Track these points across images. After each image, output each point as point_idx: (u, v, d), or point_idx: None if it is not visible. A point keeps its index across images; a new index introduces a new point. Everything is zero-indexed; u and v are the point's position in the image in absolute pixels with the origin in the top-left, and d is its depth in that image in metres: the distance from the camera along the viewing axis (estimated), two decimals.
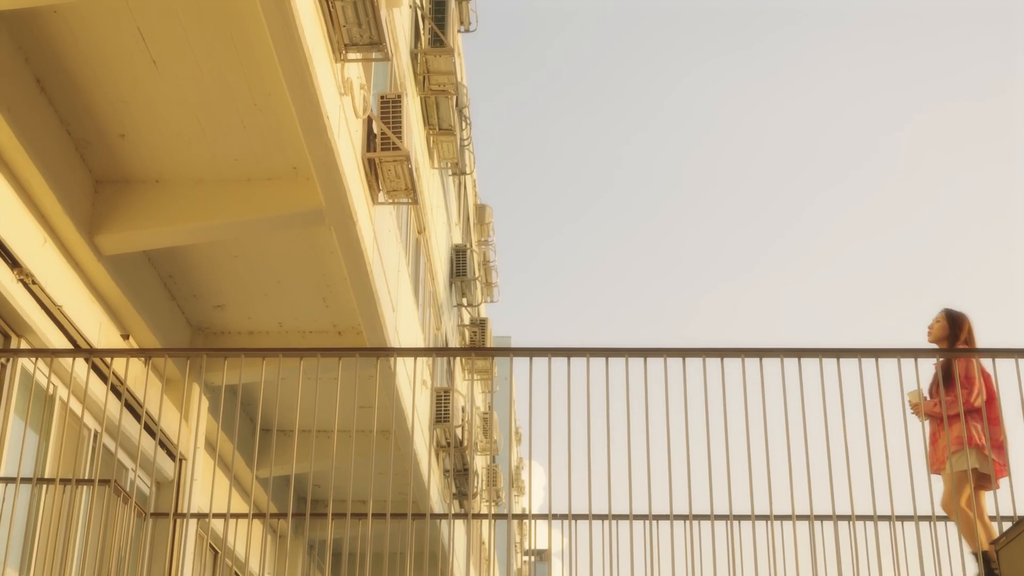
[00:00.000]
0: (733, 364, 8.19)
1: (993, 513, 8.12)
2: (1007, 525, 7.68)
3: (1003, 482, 7.92)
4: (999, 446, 8.52)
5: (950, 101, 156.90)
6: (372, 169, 11.91)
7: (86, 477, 10.87)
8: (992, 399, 8.61)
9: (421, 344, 17.87)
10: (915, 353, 8.06)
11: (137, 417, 11.62)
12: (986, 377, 8.61)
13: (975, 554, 8.08)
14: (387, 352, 9.38)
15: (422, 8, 17.35)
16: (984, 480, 8.42)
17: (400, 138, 11.82)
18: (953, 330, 8.91)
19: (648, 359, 8.15)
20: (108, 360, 10.27)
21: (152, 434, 11.95)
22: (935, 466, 8.57)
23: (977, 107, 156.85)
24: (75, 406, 10.53)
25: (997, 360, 8.24)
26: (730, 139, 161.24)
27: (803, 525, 8.19)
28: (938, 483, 8.25)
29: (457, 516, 11.10)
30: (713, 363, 8.18)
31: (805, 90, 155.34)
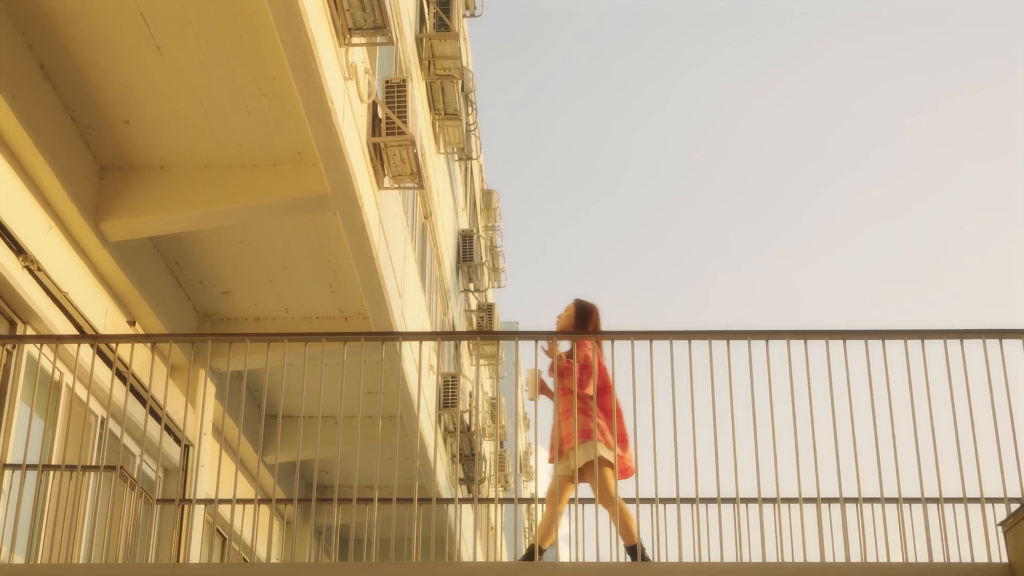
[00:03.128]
0: (739, 347, 8.17)
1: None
2: (1015, 506, 7.66)
3: (1009, 462, 7.87)
4: (626, 438, 8.48)
5: (959, 91, 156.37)
6: (377, 154, 11.89)
7: (92, 463, 10.88)
8: (608, 389, 8.53)
9: (428, 329, 17.86)
10: (921, 335, 8.03)
11: (143, 403, 11.63)
12: (602, 368, 8.53)
13: (630, 547, 8.11)
14: (392, 336, 9.36)
15: None
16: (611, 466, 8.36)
17: (405, 123, 11.79)
18: (580, 320, 8.79)
19: (653, 342, 8.13)
20: (114, 346, 10.28)
21: (158, 420, 11.96)
22: (552, 454, 8.48)
23: (987, 95, 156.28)
24: (81, 392, 10.54)
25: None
26: (737, 129, 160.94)
27: (810, 507, 8.18)
28: (945, 465, 8.21)
29: (463, 501, 11.11)
30: (719, 346, 8.17)
31: (811, 81, 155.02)
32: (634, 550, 8.07)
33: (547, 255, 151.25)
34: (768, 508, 8.22)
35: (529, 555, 8.15)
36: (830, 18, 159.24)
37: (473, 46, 23.08)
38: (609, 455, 8.25)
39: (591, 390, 8.36)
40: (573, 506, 8.42)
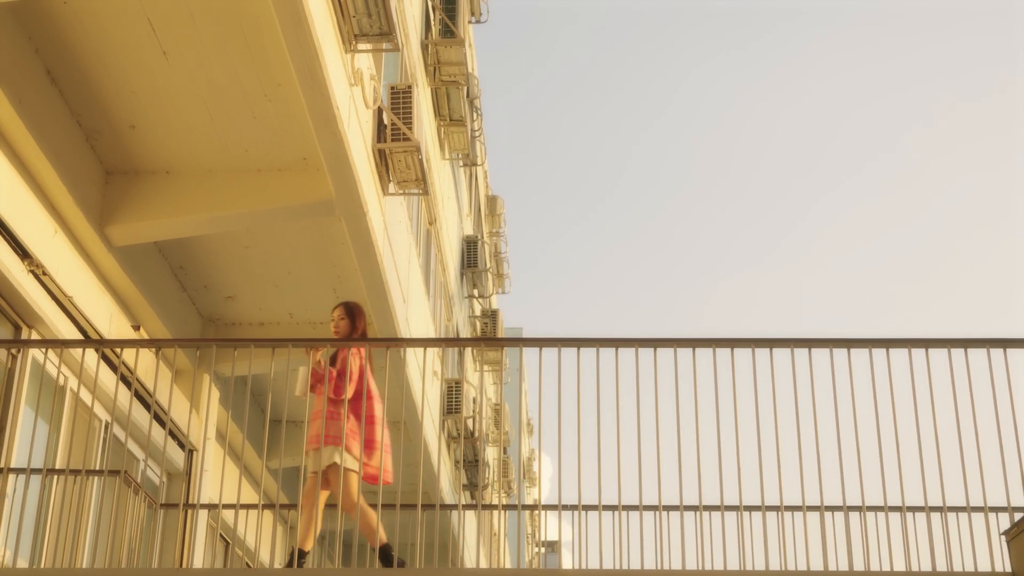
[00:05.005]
0: (743, 354, 8.17)
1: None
2: (1019, 515, 7.65)
3: (1013, 471, 7.86)
4: (373, 445, 8.52)
5: (961, 97, 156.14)
6: (382, 160, 11.91)
7: (96, 468, 10.89)
8: (369, 397, 8.57)
9: (432, 335, 17.87)
10: (926, 343, 8.03)
11: (147, 408, 11.64)
12: (363, 374, 8.55)
13: (383, 546, 8.15)
14: (396, 342, 9.38)
15: None
16: (365, 475, 8.41)
17: (410, 129, 11.81)
18: (353, 323, 8.82)
19: (658, 349, 8.13)
20: (118, 351, 10.29)
21: (162, 425, 11.97)
22: (308, 446, 8.51)
23: (991, 102, 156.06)
24: (85, 397, 10.55)
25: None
26: (740, 133, 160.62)
27: (813, 516, 8.19)
28: (948, 474, 8.21)
29: (467, 507, 11.11)
30: (723, 353, 8.17)
31: (814, 86, 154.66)
32: (385, 551, 8.14)
33: (551, 260, 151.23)
34: (772, 516, 8.23)
35: (291, 560, 8.18)
36: (832, 22, 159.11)
37: (477, 51, 23.11)
38: (352, 463, 8.31)
39: (348, 395, 8.42)
40: (580, 513, 8.41)
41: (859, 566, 7.75)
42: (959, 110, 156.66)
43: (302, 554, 8.25)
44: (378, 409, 8.59)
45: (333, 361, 8.59)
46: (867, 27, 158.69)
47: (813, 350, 8.10)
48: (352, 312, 8.85)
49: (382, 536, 8.25)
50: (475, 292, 25.38)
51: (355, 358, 8.50)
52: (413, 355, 15.30)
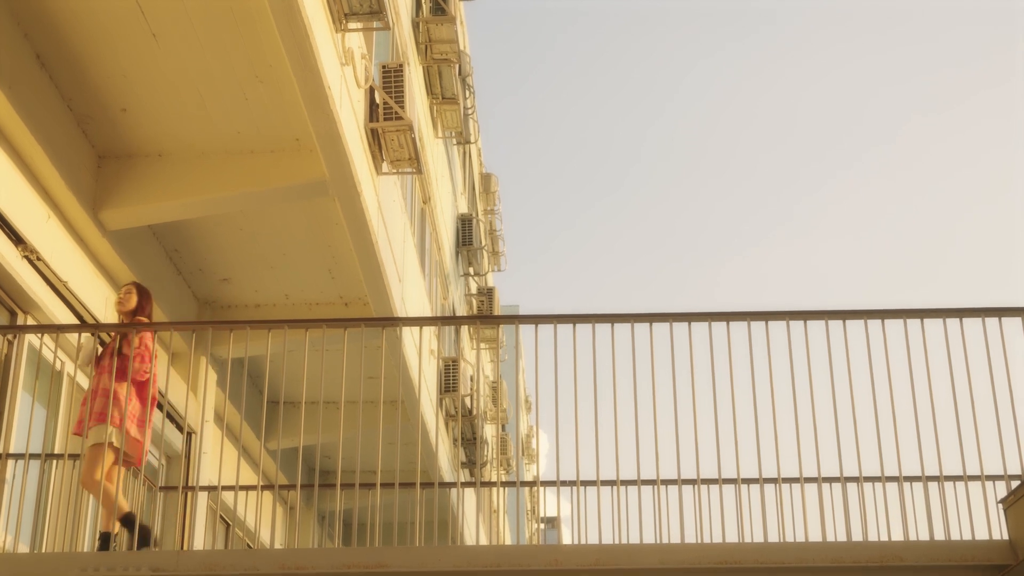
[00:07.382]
0: (739, 328, 8.19)
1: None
2: (1015, 484, 7.68)
3: (1009, 439, 7.88)
4: (150, 426, 8.66)
5: (967, 84, 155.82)
6: (375, 139, 11.88)
7: None
8: (154, 381, 8.68)
9: (428, 314, 17.87)
10: (921, 314, 8.04)
11: None
12: (150, 357, 8.65)
13: (103, 533, 8.22)
14: (392, 322, 9.38)
15: None
16: (126, 457, 8.45)
17: (403, 108, 11.78)
18: (142, 302, 8.95)
19: (653, 324, 8.14)
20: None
21: (160, 407, 11.97)
22: (81, 429, 8.54)
23: (999, 91, 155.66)
24: (83, 381, 10.54)
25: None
26: (752, 117, 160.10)
27: (811, 487, 8.21)
28: (945, 443, 8.23)
29: (465, 484, 11.13)
30: (719, 327, 8.18)
31: (824, 75, 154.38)
32: (105, 538, 8.18)
33: (546, 238, 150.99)
34: (770, 488, 8.25)
35: (104, 543, 8.20)
36: (839, 7, 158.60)
37: (469, 29, 23.05)
38: (117, 442, 8.31)
39: (140, 377, 8.52)
40: (578, 489, 8.42)
41: (857, 536, 7.78)
42: (965, 95, 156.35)
43: (107, 537, 8.25)
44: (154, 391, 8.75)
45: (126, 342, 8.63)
46: (875, 13, 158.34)
47: (809, 322, 8.11)
48: (142, 290, 9.02)
49: (112, 526, 8.25)
50: (471, 270, 25.37)
51: (150, 341, 8.61)
52: (409, 334, 15.30)
